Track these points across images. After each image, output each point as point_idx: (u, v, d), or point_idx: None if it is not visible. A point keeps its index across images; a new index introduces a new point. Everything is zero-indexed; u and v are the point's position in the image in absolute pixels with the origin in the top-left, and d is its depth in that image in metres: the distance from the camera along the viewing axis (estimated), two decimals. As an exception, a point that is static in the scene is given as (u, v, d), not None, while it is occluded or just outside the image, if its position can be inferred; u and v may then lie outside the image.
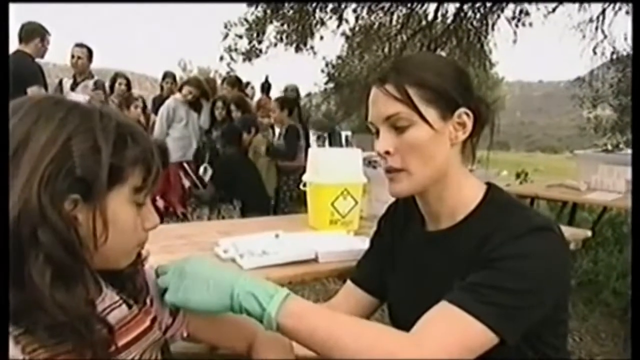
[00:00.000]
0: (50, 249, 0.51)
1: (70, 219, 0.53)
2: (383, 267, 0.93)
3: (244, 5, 5.45)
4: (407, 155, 0.76)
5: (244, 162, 3.77)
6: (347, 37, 6.49)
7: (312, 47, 6.02)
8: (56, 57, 4.02)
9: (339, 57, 7.14)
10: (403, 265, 0.88)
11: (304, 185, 1.66)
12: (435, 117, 0.76)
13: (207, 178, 3.75)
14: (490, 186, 0.83)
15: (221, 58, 5.72)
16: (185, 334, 0.70)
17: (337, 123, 7.12)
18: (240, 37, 5.58)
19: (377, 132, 0.80)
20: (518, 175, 5.99)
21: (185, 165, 3.88)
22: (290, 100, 4.33)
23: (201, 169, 3.78)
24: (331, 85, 6.90)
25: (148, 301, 0.67)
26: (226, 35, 5.60)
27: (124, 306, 0.62)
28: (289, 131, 4.03)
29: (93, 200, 0.54)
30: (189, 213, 3.62)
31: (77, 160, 0.52)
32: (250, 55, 5.64)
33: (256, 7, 5.38)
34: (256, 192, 3.67)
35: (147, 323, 0.64)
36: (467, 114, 0.78)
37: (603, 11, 5.27)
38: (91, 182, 0.53)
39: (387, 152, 0.77)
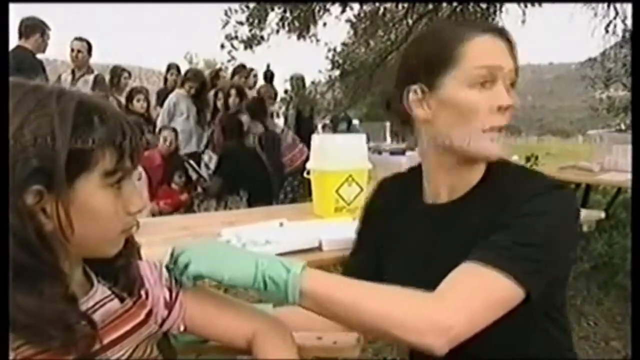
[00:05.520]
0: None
1: (31, 212, 0.49)
2: (377, 252, 0.89)
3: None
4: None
5: (246, 152, 3.74)
6: (352, 24, 6.36)
7: (314, 35, 5.91)
8: (63, 53, 4.02)
9: (343, 44, 7.01)
10: (405, 244, 0.85)
11: (308, 172, 1.63)
12: None
13: (211, 167, 3.75)
14: None
15: (222, 46, 5.61)
16: (182, 328, 0.68)
17: (343, 111, 7.03)
18: (242, 23, 5.47)
19: (482, 84, 0.72)
20: (528, 159, 5.89)
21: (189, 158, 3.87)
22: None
23: (205, 157, 3.78)
24: (336, 72, 6.79)
25: (143, 294, 0.64)
26: (226, 23, 5.49)
27: (116, 300, 0.61)
28: (264, 138, 3.70)
29: (55, 190, 0.50)
30: (196, 205, 3.62)
31: (31, 149, 0.49)
32: (251, 42, 5.53)
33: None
34: (262, 182, 3.65)
35: (142, 317, 0.62)
36: None
37: (615, -13, 5.10)
38: (50, 171, 0.49)
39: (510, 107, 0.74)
